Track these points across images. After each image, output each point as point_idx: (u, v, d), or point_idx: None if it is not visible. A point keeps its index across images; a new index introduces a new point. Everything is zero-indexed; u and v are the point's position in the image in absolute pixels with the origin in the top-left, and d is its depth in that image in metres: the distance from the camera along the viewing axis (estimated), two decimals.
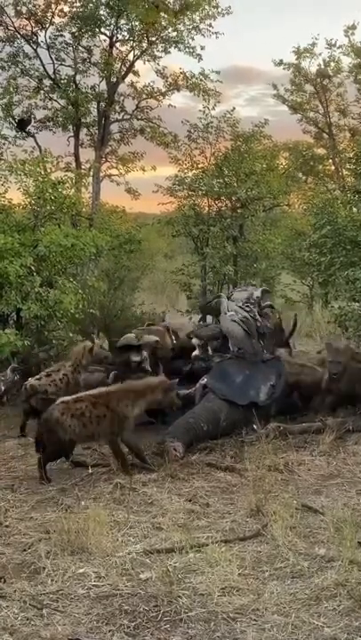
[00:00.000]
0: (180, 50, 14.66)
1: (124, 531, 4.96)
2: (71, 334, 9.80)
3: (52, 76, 15.26)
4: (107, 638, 3.64)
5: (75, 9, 14.88)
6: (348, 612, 3.85)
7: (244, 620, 3.79)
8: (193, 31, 14.55)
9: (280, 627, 3.71)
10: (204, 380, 8.10)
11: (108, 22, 14.86)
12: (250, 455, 6.56)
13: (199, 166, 14.80)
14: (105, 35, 15.10)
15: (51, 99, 15.49)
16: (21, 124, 15.31)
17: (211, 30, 14.53)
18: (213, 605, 3.93)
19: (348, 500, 5.57)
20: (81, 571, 4.36)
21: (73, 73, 15.29)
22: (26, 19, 14.97)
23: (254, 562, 4.50)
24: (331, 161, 20.98)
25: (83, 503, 5.50)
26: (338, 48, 19.11)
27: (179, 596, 4.00)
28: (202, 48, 14.72)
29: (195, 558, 4.52)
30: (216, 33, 14.64)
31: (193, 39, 14.66)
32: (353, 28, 19.26)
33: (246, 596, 4.04)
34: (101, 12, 14.72)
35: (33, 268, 8.98)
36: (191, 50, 14.64)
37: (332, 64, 18.91)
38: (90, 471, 6.28)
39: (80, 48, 15.24)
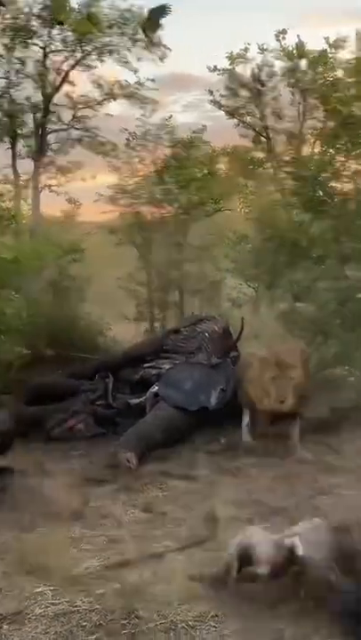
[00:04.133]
0: (115, 61, 14.66)
1: (80, 546, 4.92)
2: (17, 348, 9.67)
3: None
4: None
5: (6, 21, 14.70)
6: (304, 612, 3.88)
7: (203, 628, 3.79)
8: (129, 42, 14.54)
9: (240, 632, 3.72)
10: (154, 389, 8.11)
11: (40, 33, 14.74)
12: (204, 461, 6.59)
13: (140, 174, 14.82)
14: (38, 45, 14.97)
15: None
16: None
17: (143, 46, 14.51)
18: (173, 615, 3.91)
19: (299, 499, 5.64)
20: (38, 589, 4.28)
21: (6, 84, 15.10)
22: None
23: (212, 568, 4.51)
24: (269, 164, 21.24)
25: (37, 521, 5.42)
26: (270, 52, 19.40)
27: (137, 609, 3.98)
28: (138, 60, 14.74)
29: (152, 569, 4.50)
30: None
31: (130, 51, 14.67)
32: (284, 32, 19.55)
33: (206, 604, 4.04)
34: (33, 23, 14.59)
35: None
36: (125, 62, 14.66)
37: (266, 68, 19.20)
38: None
39: (13, 59, 15.06)
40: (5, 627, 3.89)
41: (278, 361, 7.30)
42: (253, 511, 5.37)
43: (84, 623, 3.88)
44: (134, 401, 8.29)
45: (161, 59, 13.60)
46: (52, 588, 4.30)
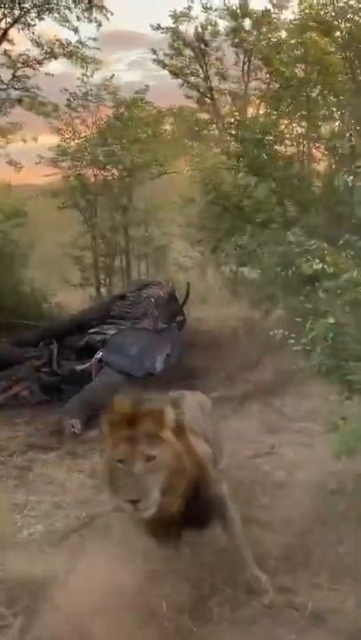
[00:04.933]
0: (55, 20, 14.21)
1: (24, 512, 4.93)
2: None
3: None
4: (10, 622, 3.61)
5: None
6: None
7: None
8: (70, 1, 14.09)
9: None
10: (99, 355, 8.10)
11: None
12: None
13: (82, 135, 14.54)
14: None
15: None
16: None
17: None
18: None
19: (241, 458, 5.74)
20: None
21: None
22: None
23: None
24: (215, 125, 21.10)
25: None
26: (214, 11, 19.12)
27: None
28: (78, 19, 14.31)
29: (98, 533, 4.55)
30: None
31: (70, 10, 14.22)
32: None
33: (156, 563, 4.10)
34: None
35: None
36: (65, 22, 14.24)
37: (210, 27, 18.95)
38: None
39: None
40: None
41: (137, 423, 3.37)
42: None
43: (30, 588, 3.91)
44: (80, 367, 8.26)
45: (100, 24, 13.25)
46: None
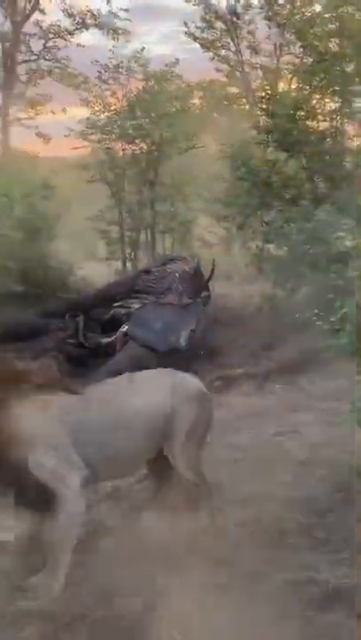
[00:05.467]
0: None
1: None
2: None
3: None
4: None
5: None
6: None
7: None
8: None
9: None
10: (124, 328, 8.12)
11: None
12: None
13: (111, 108, 14.45)
14: None
15: None
16: None
17: None
18: None
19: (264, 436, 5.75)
20: None
21: None
22: None
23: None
24: (245, 100, 20.81)
25: None
26: None
27: None
28: None
29: None
30: None
31: None
32: None
33: None
34: None
35: None
36: None
37: (242, 0, 18.64)
38: None
39: None
40: None
41: None
42: None
43: None
44: (105, 340, 8.29)
45: None
46: None
